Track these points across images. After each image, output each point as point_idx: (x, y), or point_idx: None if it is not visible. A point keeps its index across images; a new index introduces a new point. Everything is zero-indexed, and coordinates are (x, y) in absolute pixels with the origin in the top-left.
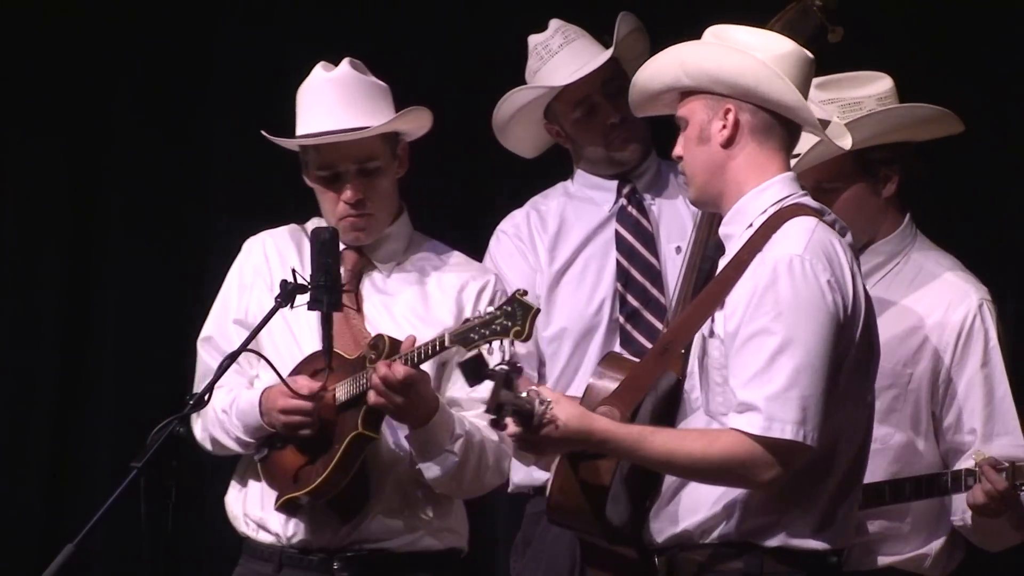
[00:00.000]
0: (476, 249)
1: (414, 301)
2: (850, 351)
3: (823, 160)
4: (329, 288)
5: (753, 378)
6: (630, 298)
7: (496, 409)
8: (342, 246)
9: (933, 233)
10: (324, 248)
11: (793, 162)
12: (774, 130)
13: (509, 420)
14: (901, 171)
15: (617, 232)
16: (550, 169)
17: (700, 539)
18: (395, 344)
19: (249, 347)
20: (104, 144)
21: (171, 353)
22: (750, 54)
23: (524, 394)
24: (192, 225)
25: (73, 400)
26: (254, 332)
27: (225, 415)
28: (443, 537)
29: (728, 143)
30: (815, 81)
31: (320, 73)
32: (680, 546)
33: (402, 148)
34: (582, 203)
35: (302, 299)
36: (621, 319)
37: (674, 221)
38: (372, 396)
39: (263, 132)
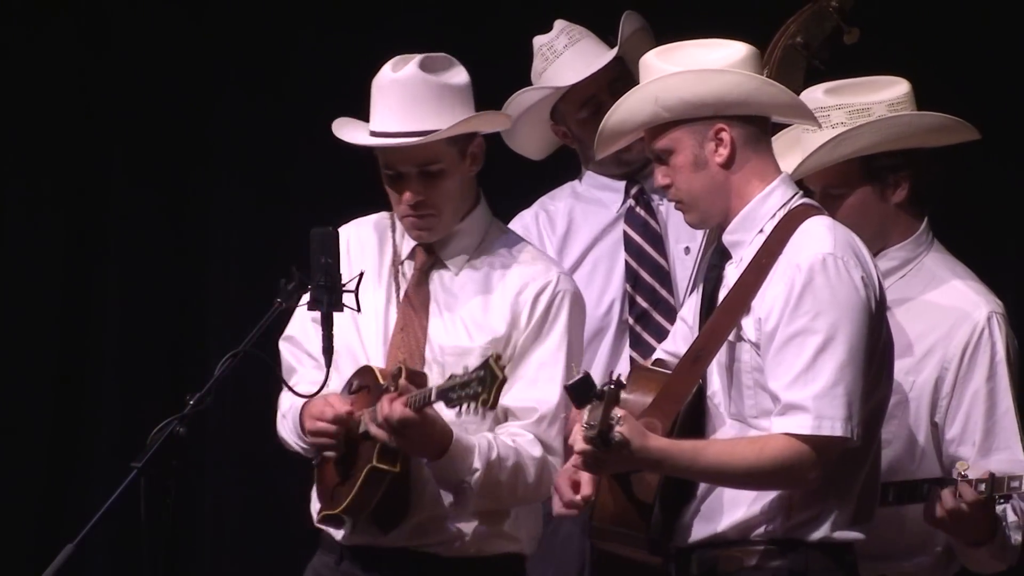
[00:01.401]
0: None
1: (475, 305)
2: (879, 344)
3: (826, 165)
4: (329, 288)
5: (797, 378)
6: (639, 299)
7: (603, 433)
8: (413, 242)
9: (946, 238)
10: (323, 248)
11: (793, 164)
12: (763, 133)
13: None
14: (912, 177)
15: (625, 233)
16: (558, 171)
17: (740, 536)
18: (414, 376)
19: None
20: (105, 145)
21: (172, 353)
22: (726, 71)
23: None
24: (193, 225)
25: (73, 400)
26: (255, 332)
27: (283, 419)
28: (495, 544)
29: (728, 163)
30: (827, 85)
31: (387, 72)
32: (714, 544)
33: (476, 145)
34: (590, 204)
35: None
36: (630, 320)
37: (682, 221)
38: (373, 429)
39: (334, 126)
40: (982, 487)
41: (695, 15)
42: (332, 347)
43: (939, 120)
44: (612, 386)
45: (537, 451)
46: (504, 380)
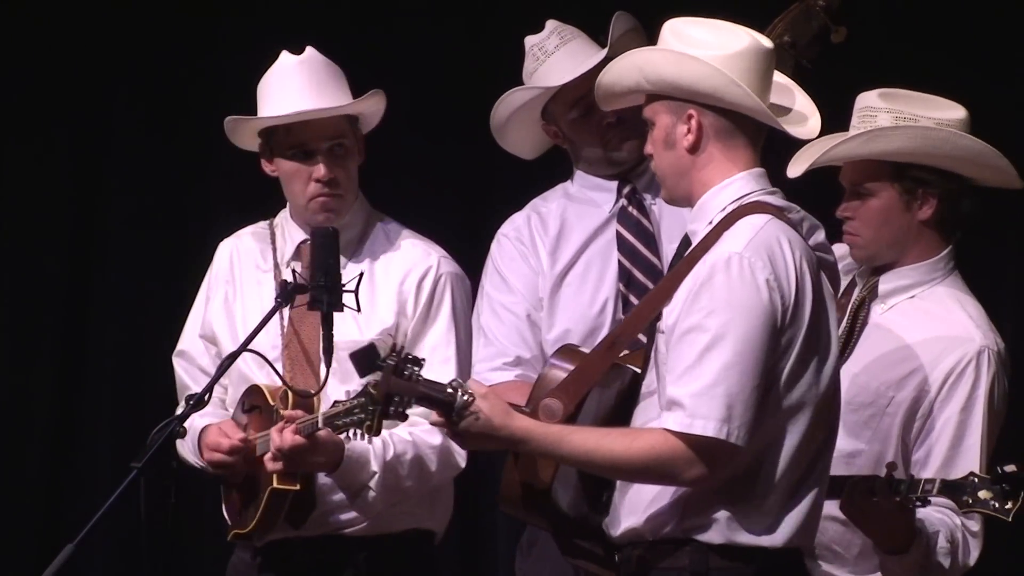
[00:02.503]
0: (476, 252)
1: (362, 298)
2: (791, 350)
3: (854, 157)
4: (329, 288)
5: (682, 375)
6: (633, 298)
7: (385, 399)
8: (299, 240)
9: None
10: (325, 248)
11: (819, 151)
12: (738, 128)
13: (433, 411)
14: (941, 198)
15: (618, 233)
16: (552, 171)
17: (649, 535)
18: (301, 397)
19: (250, 348)
20: (104, 145)
21: (171, 353)
22: (706, 61)
23: (448, 386)
24: (193, 225)
25: (73, 400)
26: (254, 332)
27: (183, 441)
28: (402, 520)
29: (694, 148)
30: (885, 90)
31: (288, 57)
32: (632, 543)
33: (360, 138)
34: (583, 204)
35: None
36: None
37: (675, 220)
38: (270, 467)
39: (229, 118)
40: (901, 487)
41: (689, 14)
42: (332, 347)
43: (980, 148)
44: (393, 359)
45: (436, 439)
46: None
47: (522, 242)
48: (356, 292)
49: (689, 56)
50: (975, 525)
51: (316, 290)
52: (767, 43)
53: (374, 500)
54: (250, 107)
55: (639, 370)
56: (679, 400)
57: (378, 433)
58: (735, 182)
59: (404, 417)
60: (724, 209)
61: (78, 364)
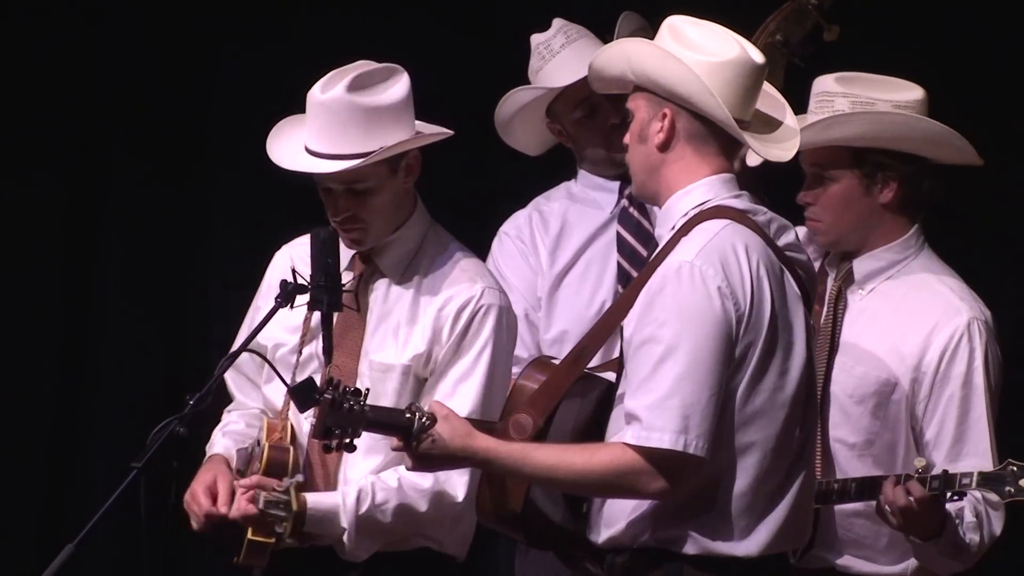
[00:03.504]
0: (477, 252)
1: (404, 319)
2: (751, 356)
3: (812, 145)
4: (329, 288)
5: (638, 387)
6: None
7: (324, 433)
8: (351, 252)
9: (942, 242)
10: (324, 248)
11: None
12: (712, 135)
13: (392, 437)
14: (901, 181)
15: (618, 234)
16: (555, 168)
17: (629, 543)
18: (273, 455)
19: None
20: (104, 143)
21: (171, 353)
22: (688, 65)
23: (407, 411)
24: (193, 224)
25: (73, 400)
26: (253, 334)
27: (211, 444)
28: (409, 539)
29: (664, 147)
30: (842, 74)
31: (316, 93)
32: (615, 550)
33: (411, 158)
34: (584, 204)
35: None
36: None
37: None
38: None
39: (271, 135)
40: (935, 484)
41: (694, 15)
42: (332, 348)
43: (937, 130)
44: (329, 394)
45: (426, 482)
46: (300, 513)
47: (523, 241)
48: (356, 293)
49: (674, 57)
50: (994, 496)
51: (316, 290)
52: (758, 58)
53: (353, 549)
54: (248, 106)
55: (614, 379)
56: (636, 413)
57: (295, 535)
58: (699, 187)
59: (351, 448)
60: (686, 215)
61: (78, 364)
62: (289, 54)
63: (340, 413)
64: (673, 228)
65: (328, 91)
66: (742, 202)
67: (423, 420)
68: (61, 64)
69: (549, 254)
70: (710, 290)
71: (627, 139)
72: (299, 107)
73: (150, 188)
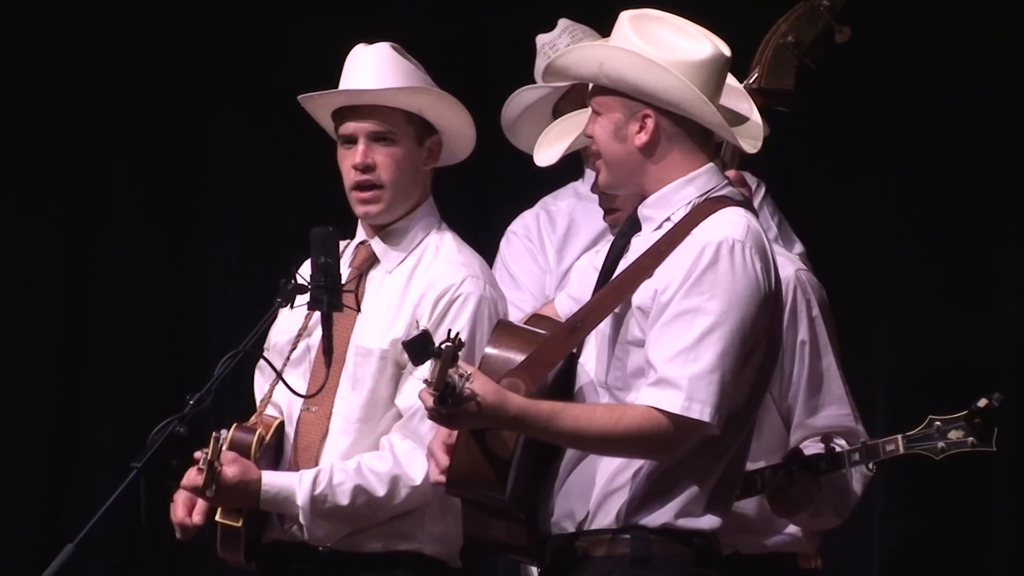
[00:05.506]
0: (480, 252)
1: (390, 306)
2: (765, 339)
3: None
4: (329, 288)
5: (678, 355)
6: None
7: (443, 388)
8: (357, 241)
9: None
10: (323, 248)
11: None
12: (695, 129)
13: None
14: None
15: None
16: (559, 168)
17: (588, 525)
18: (238, 435)
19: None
20: (104, 147)
21: (171, 353)
22: (672, 71)
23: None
24: (193, 223)
25: (73, 400)
26: (253, 334)
27: None
28: (387, 542)
29: (648, 148)
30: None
31: (360, 46)
32: (572, 533)
33: (435, 142)
34: (591, 204)
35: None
36: None
37: None
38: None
39: (301, 97)
40: (856, 456)
41: (697, 14)
42: (332, 348)
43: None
44: (450, 343)
45: (383, 465)
46: (213, 463)
47: (531, 240)
48: (356, 292)
49: (658, 65)
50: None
51: (316, 290)
52: (727, 51)
53: (312, 529)
54: (247, 108)
55: (574, 351)
56: (675, 381)
57: (218, 493)
58: (700, 176)
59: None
60: (689, 203)
61: (78, 364)
62: (290, 54)
63: (447, 368)
64: (668, 219)
65: (372, 44)
66: (735, 193)
67: (464, 377)
68: (61, 64)
69: (556, 252)
70: (758, 271)
71: (590, 132)
72: (298, 114)
73: (151, 189)
